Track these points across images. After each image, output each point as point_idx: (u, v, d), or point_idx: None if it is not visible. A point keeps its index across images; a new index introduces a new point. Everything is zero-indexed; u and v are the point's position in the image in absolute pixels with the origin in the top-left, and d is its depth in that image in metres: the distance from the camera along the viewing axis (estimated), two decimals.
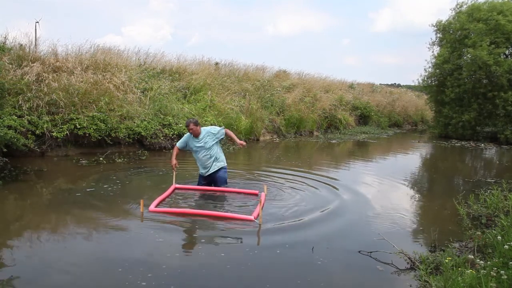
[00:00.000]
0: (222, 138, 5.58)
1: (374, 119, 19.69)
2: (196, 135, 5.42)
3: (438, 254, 3.44)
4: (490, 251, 3.48)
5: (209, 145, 5.41)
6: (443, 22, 16.89)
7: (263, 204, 4.77)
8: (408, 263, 3.40)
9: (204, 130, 5.50)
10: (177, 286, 2.94)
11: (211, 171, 5.49)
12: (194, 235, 3.91)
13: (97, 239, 3.78)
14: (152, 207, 4.57)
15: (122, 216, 4.48)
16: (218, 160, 5.51)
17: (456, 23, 16.11)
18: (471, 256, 3.06)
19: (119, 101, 9.00)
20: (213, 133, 5.47)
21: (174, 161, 5.48)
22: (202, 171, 5.55)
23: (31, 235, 3.96)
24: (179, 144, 5.59)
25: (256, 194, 5.42)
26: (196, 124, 5.43)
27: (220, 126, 5.80)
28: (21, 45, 9.20)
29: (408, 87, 29.21)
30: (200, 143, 5.41)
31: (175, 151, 5.57)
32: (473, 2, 16.43)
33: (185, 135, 5.64)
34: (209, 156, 5.43)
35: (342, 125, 16.89)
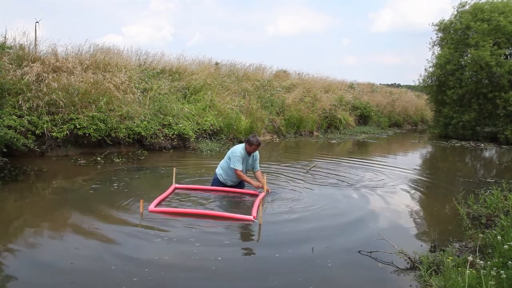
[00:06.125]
0: (254, 164, 5.64)
1: (374, 119, 19.69)
2: (252, 152, 5.50)
3: (438, 254, 3.44)
4: (490, 251, 3.48)
5: (250, 165, 5.61)
6: (445, 21, 16.91)
7: (263, 204, 4.77)
8: (408, 263, 3.40)
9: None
10: None
11: (237, 183, 5.69)
12: (193, 235, 3.91)
13: (96, 239, 3.77)
14: (151, 207, 4.56)
15: (122, 216, 4.47)
16: None
17: (458, 22, 16.12)
18: (470, 257, 3.05)
19: (118, 101, 9.00)
20: (256, 157, 5.63)
21: (256, 183, 5.47)
22: (229, 183, 5.62)
23: (30, 235, 3.95)
24: (240, 167, 5.41)
25: (256, 194, 5.42)
26: None
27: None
28: (21, 45, 9.20)
29: (408, 87, 29.22)
30: (250, 161, 5.57)
31: (246, 176, 5.51)
32: (476, 1, 16.47)
33: (236, 155, 5.40)
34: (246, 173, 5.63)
35: (342, 125, 16.88)
